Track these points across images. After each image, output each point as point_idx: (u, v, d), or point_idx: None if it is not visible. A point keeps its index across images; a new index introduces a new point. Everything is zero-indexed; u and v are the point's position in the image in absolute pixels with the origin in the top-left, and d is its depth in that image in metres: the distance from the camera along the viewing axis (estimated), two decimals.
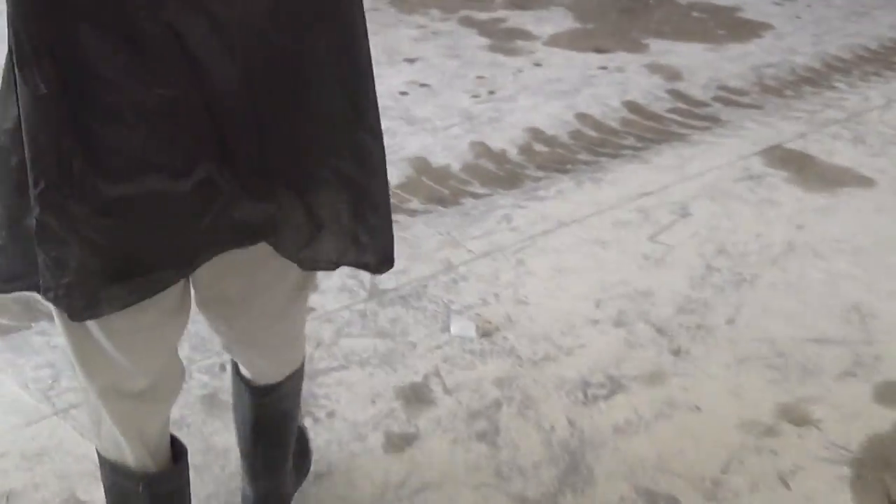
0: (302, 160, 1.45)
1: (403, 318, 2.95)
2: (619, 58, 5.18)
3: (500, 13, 5.89)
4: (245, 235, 1.47)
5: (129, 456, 1.71)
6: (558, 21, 5.78)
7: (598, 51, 5.29)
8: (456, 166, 3.93)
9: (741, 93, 4.77)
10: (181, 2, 1.27)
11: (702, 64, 5.13)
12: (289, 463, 2.09)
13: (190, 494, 1.87)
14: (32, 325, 2.88)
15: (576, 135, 4.25)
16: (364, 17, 1.47)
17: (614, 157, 4.06)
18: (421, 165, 3.93)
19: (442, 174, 3.87)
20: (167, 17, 1.27)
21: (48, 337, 2.82)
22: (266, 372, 1.90)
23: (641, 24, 5.76)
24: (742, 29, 5.70)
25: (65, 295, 1.39)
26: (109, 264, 1.38)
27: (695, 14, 5.98)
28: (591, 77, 4.90)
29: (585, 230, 3.47)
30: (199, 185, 1.37)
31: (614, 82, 4.85)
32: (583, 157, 4.06)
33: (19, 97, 1.28)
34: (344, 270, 2.62)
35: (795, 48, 5.40)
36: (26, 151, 1.30)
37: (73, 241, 1.35)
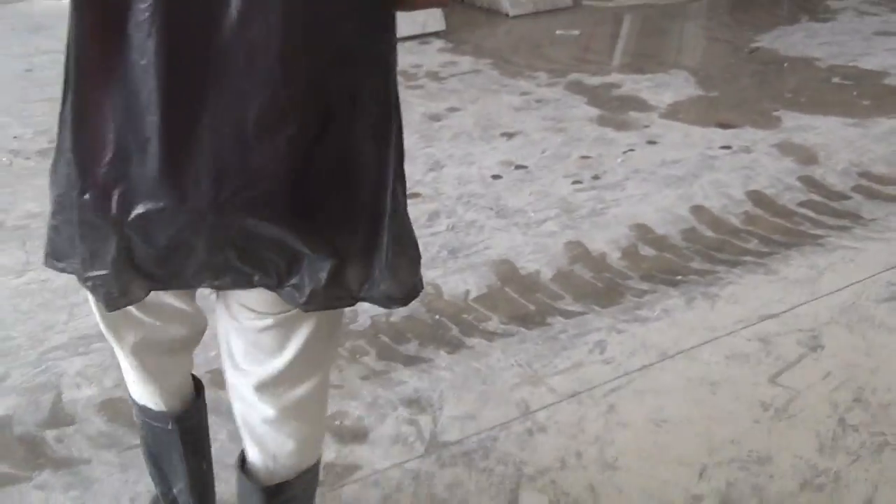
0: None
1: (465, 482, 2.49)
2: (746, 134, 4.64)
3: (615, 77, 5.41)
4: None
5: (159, 399, 1.93)
6: (679, 87, 5.26)
7: (723, 125, 4.75)
8: (547, 274, 3.46)
9: (887, 181, 4.18)
10: None
11: (842, 143, 4.55)
12: None
13: (207, 426, 2.08)
14: (33, 475, 2.51)
15: (690, 235, 3.73)
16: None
17: (733, 265, 3.53)
18: (506, 272, 3.46)
19: (529, 284, 3.40)
20: None
21: (47, 492, 2.44)
22: (283, 463, 1.81)
23: (774, 92, 5.20)
24: (890, 99, 5.10)
25: (101, 285, 1.54)
26: (143, 261, 1.49)
27: (836, 80, 5.39)
28: (712, 159, 4.38)
29: (693, 365, 2.96)
30: None
31: (739, 166, 4.31)
32: (696, 264, 3.54)
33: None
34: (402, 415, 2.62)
35: None
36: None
37: (112, 238, 1.45)
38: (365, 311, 3.18)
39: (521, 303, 3.30)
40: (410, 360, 2.95)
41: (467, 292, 3.34)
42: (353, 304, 1.58)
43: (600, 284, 3.41)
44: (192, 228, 1.41)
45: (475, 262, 3.54)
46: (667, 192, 4.09)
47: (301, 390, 1.72)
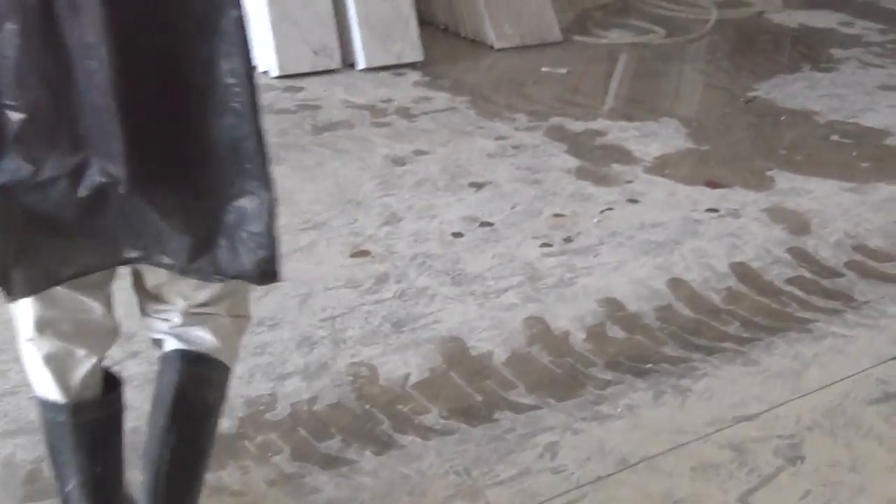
0: None
1: None
2: (736, 196, 4.32)
3: (600, 123, 5.09)
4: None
5: (55, 390, 1.94)
6: (668, 138, 4.94)
7: (711, 184, 4.43)
8: (500, 356, 3.13)
9: (884, 257, 3.86)
10: None
11: (837, 210, 4.23)
12: (197, 491, 2.03)
13: (120, 425, 2.04)
14: None
15: (665, 313, 3.41)
16: None
17: (710, 352, 3.21)
18: (455, 352, 3.14)
19: (479, 368, 3.07)
20: None
21: None
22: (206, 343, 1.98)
23: (768, 148, 4.89)
24: (891, 162, 4.79)
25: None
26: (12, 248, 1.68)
27: (834, 137, 5.08)
28: (696, 223, 4.06)
29: (656, 478, 2.63)
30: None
31: (725, 232, 3.99)
32: (669, 349, 3.21)
33: None
34: None
35: None
36: None
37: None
38: (286, 397, 2.86)
39: (467, 392, 2.97)
40: (329, 462, 2.62)
41: (407, 376, 3.01)
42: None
43: (559, 371, 3.08)
44: None
45: (421, 338, 3.21)
46: (644, 260, 3.76)
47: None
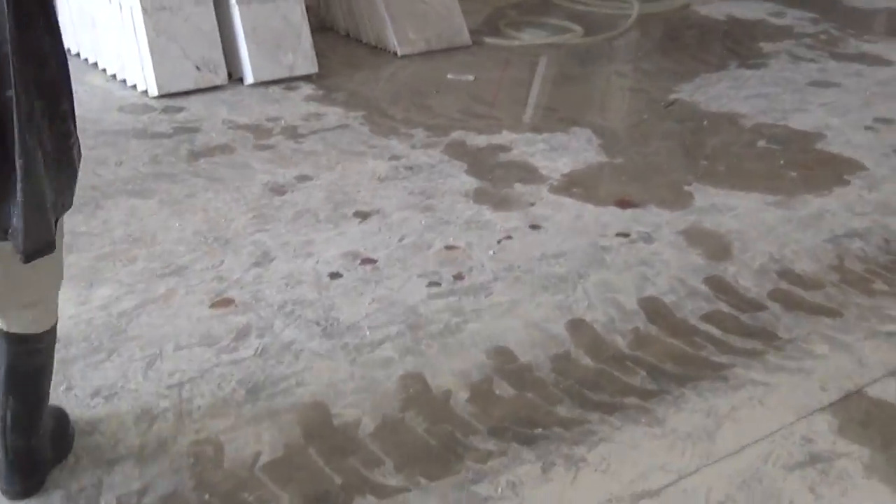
0: None
1: None
2: (649, 216, 3.96)
3: (506, 136, 4.71)
4: None
5: None
6: (579, 150, 4.57)
7: (623, 203, 4.07)
8: (368, 425, 2.74)
9: (812, 284, 3.52)
10: None
11: (761, 230, 3.88)
12: (40, 428, 2.45)
13: None
14: None
15: (562, 364, 3.03)
16: None
17: (610, 410, 2.83)
18: (316, 422, 2.74)
19: (342, 442, 2.67)
20: None
21: None
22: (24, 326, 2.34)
23: (688, 159, 4.54)
24: (822, 170, 4.44)
25: None
26: None
27: (761, 143, 4.73)
28: (604, 251, 3.68)
29: None
30: None
31: (635, 260, 3.62)
32: (563, 409, 2.84)
33: None
34: None
35: (893, 203, 4.12)
36: None
37: None
38: (112, 488, 2.45)
39: (326, 473, 2.57)
40: None
41: (257, 456, 2.61)
42: None
43: (434, 442, 2.69)
44: None
45: (279, 406, 2.81)
46: (542, 297, 3.38)
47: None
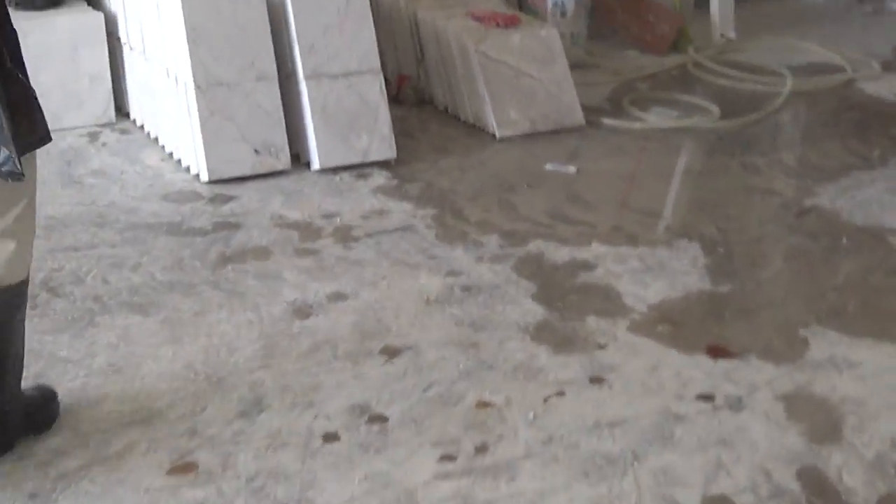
0: None
1: None
2: (746, 372, 3.26)
3: (594, 250, 4.09)
4: None
5: None
6: (678, 272, 3.90)
7: (715, 351, 3.37)
8: None
9: None
10: None
11: (889, 398, 3.10)
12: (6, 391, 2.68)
13: None
14: None
15: None
16: None
17: None
18: None
19: None
20: None
21: None
22: None
23: (813, 289, 3.84)
24: None
25: None
26: None
27: None
28: (675, 420, 3.01)
29: None
30: None
31: (713, 438, 2.94)
32: None
33: None
34: None
35: None
36: None
37: None
38: None
39: None
40: None
41: None
42: None
43: None
44: None
45: None
46: (579, 488, 2.72)
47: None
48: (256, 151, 4.65)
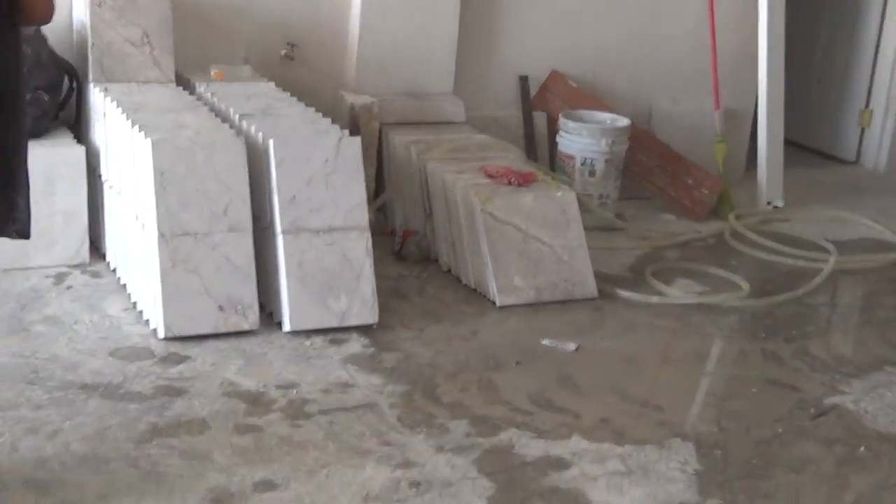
0: None
1: None
2: None
3: (571, 445, 3.70)
4: None
5: None
6: (662, 478, 3.53)
7: None
8: None
9: None
10: None
11: None
12: None
13: None
14: None
15: None
16: None
17: None
18: None
19: None
20: None
21: None
22: None
23: None
24: None
25: None
26: None
27: None
28: None
29: None
30: None
31: None
32: None
33: None
34: None
35: None
36: None
37: None
38: None
39: None
40: None
41: None
42: None
43: None
44: None
45: None
46: None
47: None
48: (221, 308, 4.33)
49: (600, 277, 5.20)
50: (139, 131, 4.37)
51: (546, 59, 6.43)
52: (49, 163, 4.82)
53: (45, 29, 5.01)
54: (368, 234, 4.56)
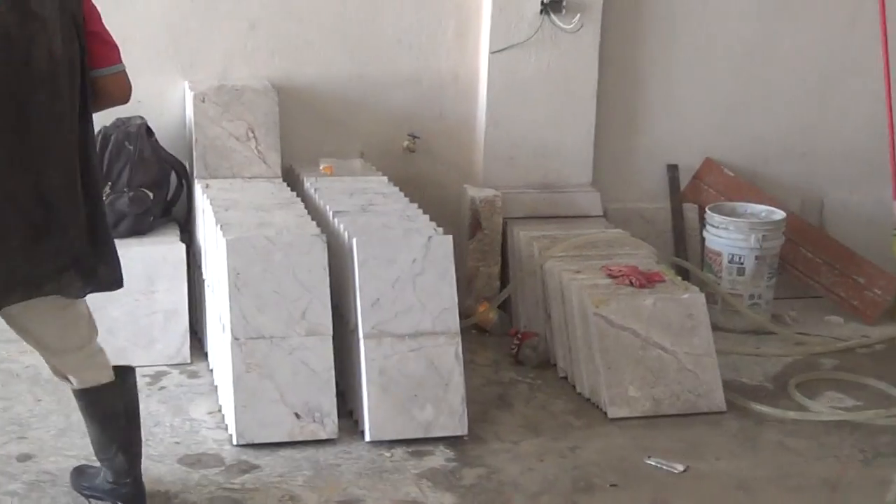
0: None
1: None
2: None
3: None
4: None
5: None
6: None
7: None
8: None
9: None
10: None
11: None
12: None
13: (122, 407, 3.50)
14: None
15: None
16: None
17: None
18: None
19: None
20: None
21: None
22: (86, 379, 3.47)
23: None
24: None
25: None
26: None
27: None
28: None
29: None
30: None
31: None
32: None
33: None
34: None
35: None
36: None
37: None
38: None
39: None
40: None
41: None
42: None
43: None
44: None
45: None
46: None
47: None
48: (297, 416, 4.17)
49: (735, 388, 4.78)
50: (220, 229, 4.28)
51: (698, 145, 6.05)
52: (150, 260, 4.83)
53: (157, 127, 5.05)
54: (458, 340, 4.32)
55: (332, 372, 4.23)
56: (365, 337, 4.22)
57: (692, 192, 6.07)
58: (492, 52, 5.55)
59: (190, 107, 5.10)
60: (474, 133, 5.72)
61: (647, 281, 4.86)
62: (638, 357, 4.64)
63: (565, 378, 4.92)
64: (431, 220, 4.54)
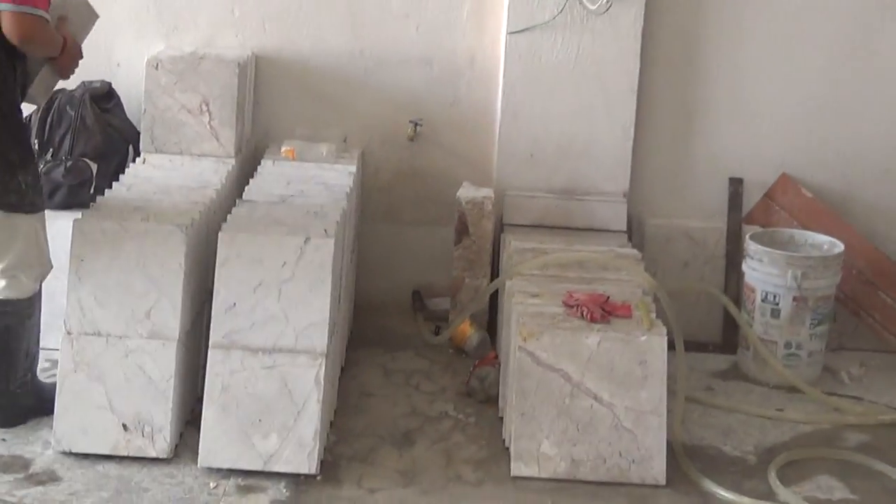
0: None
1: None
2: None
3: None
4: None
5: None
6: None
7: None
8: None
9: None
10: None
11: None
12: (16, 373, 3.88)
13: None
14: None
15: None
16: None
17: None
18: None
19: None
20: None
21: None
22: None
23: None
24: None
25: None
26: None
27: None
28: None
29: None
30: None
31: None
32: None
33: None
34: None
35: None
36: None
37: None
38: None
39: None
40: None
41: None
42: None
43: None
44: None
45: None
46: None
47: None
48: (125, 427, 3.80)
49: (702, 456, 4.06)
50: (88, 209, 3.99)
51: (770, 158, 5.21)
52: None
53: (133, 95, 4.81)
54: (322, 362, 3.81)
55: (172, 382, 3.83)
56: (212, 346, 3.80)
57: (760, 213, 5.22)
58: (509, 33, 4.92)
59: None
60: (493, 125, 5.11)
61: (606, 314, 4.13)
62: (563, 406, 3.96)
63: (502, 419, 4.28)
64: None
